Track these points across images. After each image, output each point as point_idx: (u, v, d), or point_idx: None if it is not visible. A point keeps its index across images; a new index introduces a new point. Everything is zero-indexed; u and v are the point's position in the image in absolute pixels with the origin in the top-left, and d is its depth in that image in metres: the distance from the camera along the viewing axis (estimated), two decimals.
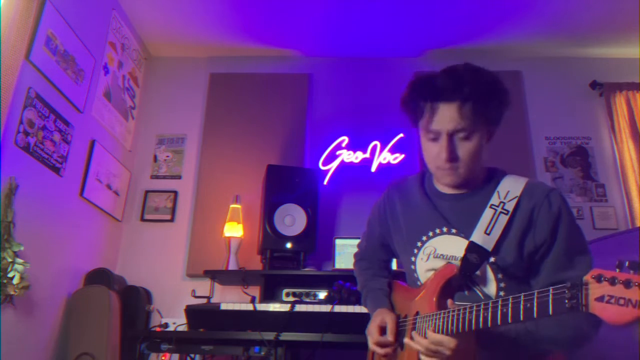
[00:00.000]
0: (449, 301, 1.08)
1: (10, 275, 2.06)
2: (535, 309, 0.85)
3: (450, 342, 1.03)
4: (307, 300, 2.73)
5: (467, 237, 1.18)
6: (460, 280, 1.17)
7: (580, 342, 1.10)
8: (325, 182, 3.28)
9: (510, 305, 0.91)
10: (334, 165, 3.33)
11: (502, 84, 1.20)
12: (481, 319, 0.97)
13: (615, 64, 3.60)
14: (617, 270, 0.75)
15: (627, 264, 0.74)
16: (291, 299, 2.76)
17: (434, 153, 1.20)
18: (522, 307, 0.88)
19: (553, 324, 1.08)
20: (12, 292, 2.07)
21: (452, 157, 1.17)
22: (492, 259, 1.15)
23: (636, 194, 3.15)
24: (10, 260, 2.07)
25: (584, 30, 3.39)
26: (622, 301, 0.72)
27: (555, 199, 1.16)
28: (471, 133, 1.16)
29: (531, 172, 3.33)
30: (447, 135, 1.16)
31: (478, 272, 1.15)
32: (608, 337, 1.29)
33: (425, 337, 1.09)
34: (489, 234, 1.15)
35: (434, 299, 1.16)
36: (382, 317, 1.32)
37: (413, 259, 1.30)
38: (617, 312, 0.73)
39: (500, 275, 1.16)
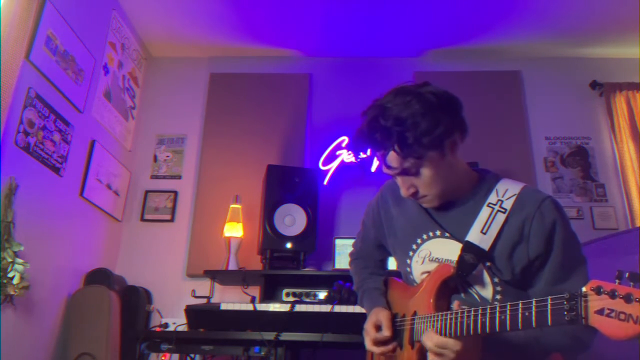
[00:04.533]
0: (456, 303, 1.06)
1: (10, 275, 2.06)
2: (534, 318, 0.84)
3: (455, 345, 1.02)
4: (307, 300, 2.73)
5: (461, 241, 1.17)
6: (457, 280, 1.16)
7: (578, 351, 1.10)
8: (325, 182, 3.28)
9: (508, 312, 0.90)
10: (334, 165, 3.33)
11: (429, 101, 1.10)
12: (479, 325, 0.95)
13: (615, 64, 3.59)
14: (617, 281, 0.74)
15: (627, 275, 0.72)
16: (291, 299, 2.76)
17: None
18: (520, 315, 0.87)
19: (556, 331, 1.07)
20: (12, 292, 2.07)
21: (411, 193, 1.19)
22: (487, 264, 1.14)
23: (636, 194, 3.14)
24: (10, 260, 2.07)
25: (584, 30, 3.39)
26: (622, 316, 0.71)
27: (547, 209, 1.12)
28: (416, 168, 1.14)
29: (531, 172, 3.33)
30: (397, 176, 1.18)
31: (474, 272, 1.14)
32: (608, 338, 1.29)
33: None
34: (485, 233, 1.13)
35: (431, 300, 1.16)
36: (377, 316, 1.32)
37: (408, 261, 1.30)
38: (617, 327, 0.71)
39: (496, 280, 1.14)
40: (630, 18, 3.21)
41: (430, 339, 1.06)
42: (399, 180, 1.20)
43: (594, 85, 3.52)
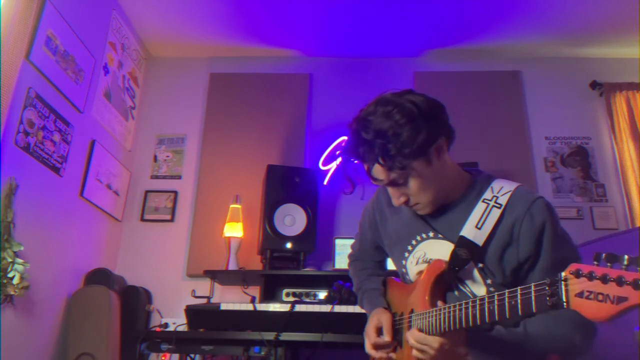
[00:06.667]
0: (439, 302, 1.10)
1: (10, 275, 2.06)
2: (519, 306, 0.85)
3: (434, 342, 1.04)
4: (307, 300, 2.73)
5: (454, 241, 1.17)
6: (450, 275, 1.16)
7: (572, 354, 1.10)
8: (325, 182, 3.28)
9: (496, 302, 0.91)
10: (334, 165, 3.32)
11: (409, 110, 1.09)
12: (470, 316, 0.97)
13: (615, 64, 3.59)
14: (595, 263, 0.74)
15: (604, 256, 0.73)
16: (291, 299, 2.76)
17: None
18: (507, 304, 0.88)
19: (543, 331, 1.08)
20: (12, 292, 2.07)
21: (403, 202, 1.19)
22: (480, 265, 1.14)
23: (636, 194, 3.14)
24: (10, 260, 2.07)
25: (584, 30, 3.39)
26: (600, 297, 0.72)
27: (537, 210, 1.11)
28: (403, 178, 1.14)
29: (531, 172, 3.32)
30: (387, 186, 1.19)
31: (467, 268, 1.14)
32: (608, 337, 1.29)
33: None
34: (480, 228, 1.13)
35: (426, 297, 1.17)
36: (378, 318, 1.32)
37: (404, 262, 1.31)
38: (597, 308, 0.72)
39: (489, 281, 1.15)
40: (630, 18, 3.21)
41: (412, 335, 1.10)
42: (390, 190, 1.21)
43: (594, 85, 3.52)
